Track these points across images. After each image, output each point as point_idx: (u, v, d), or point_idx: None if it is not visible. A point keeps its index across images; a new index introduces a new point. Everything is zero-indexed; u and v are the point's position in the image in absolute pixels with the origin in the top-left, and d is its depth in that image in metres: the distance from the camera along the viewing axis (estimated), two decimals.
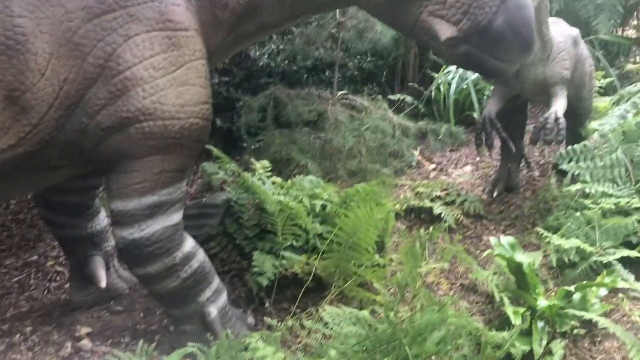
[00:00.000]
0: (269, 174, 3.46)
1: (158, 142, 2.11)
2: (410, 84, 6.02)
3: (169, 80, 2.09)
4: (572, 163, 3.30)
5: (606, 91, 5.03)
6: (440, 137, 4.98)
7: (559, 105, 3.30)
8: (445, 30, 1.93)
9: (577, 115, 4.02)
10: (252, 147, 4.95)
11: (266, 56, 5.47)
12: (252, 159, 3.52)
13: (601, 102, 4.53)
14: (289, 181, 3.46)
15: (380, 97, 5.42)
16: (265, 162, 3.53)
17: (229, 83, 5.37)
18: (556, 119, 3.22)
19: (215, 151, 3.35)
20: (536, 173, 4.38)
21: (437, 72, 5.80)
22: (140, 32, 2.04)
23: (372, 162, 4.49)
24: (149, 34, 2.06)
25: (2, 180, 2.05)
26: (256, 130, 4.97)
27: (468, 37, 1.88)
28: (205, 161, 4.18)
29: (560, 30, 3.54)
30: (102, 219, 2.94)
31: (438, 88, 5.58)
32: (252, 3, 2.36)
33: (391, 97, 5.74)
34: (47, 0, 1.91)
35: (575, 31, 3.77)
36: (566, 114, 3.99)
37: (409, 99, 5.74)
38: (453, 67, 5.53)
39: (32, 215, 4.03)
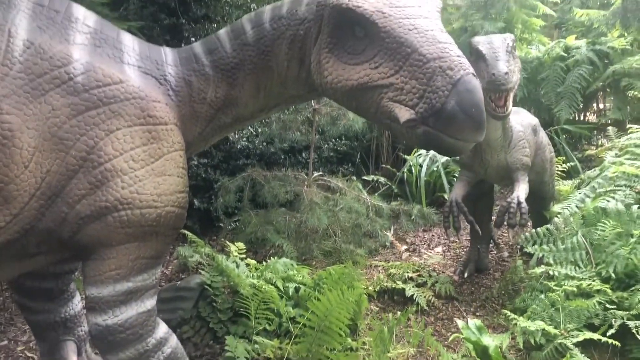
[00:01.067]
0: (244, 255, 3.53)
1: (135, 230, 2.19)
2: (383, 165, 6.23)
3: (148, 171, 2.20)
4: (536, 246, 3.44)
5: (569, 175, 5.27)
6: (412, 217, 5.12)
7: (520, 190, 3.48)
8: (404, 114, 2.08)
9: (541, 198, 4.22)
10: (229, 227, 5.04)
11: (245, 139, 5.66)
12: (227, 242, 3.59)
13: (564, 186, 4.75)
14: (263, 263, 3.53)
15: (354, 178, 5.60)
16: (240, 244, 3.60)
17: (207, 165, 5.52)
18: (518, 203, 3.38)
19: (190, 235, 3.42)
20: (505, 254, 4.51)
21: (409, 154, 6.03)
22: (121, 127, 2.17)
23: (347, 243, 4.59)
24: (130, 129, 2.18)
25: None
26: (233, 211, 5.07)
27: (425, 118, 2.03)
28: (181, 243, 4.23)
29: (520, 120, 3.78)
30: (77, 304, 2.95)
31: (410, 170, 5.79)
32: (228, 96, 2.52)
33: (365, 177, 5.92)
34: (36, 99, 2.04)
35: (535, 120, 4.03)
36: (531, 198, 4.18)
37: (382, 179, 5.93)
38: (424, 150, 5.76)
39: (3, 298, 4.00)
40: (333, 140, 6.17)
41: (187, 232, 3.44)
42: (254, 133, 5.76)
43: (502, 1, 7.58)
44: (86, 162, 2.11)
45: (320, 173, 5.28)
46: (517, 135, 3.60)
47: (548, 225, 3.55)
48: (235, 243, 3.59)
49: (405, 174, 5.87)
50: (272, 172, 4.92)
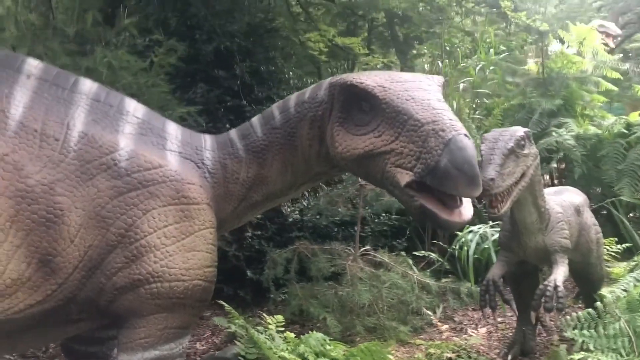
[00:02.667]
0: (282, 328, 3.63)
1: (164, 302, 2.39)
2: (435, 241, 6.23)
3: (179, 247, 2.43)
4: (577, 330, 3.32)
5: (625, 256, 5.06)
6: (461, 296, 5.06)
7: (558, 273, 3.42)
8: (404, 177, 2.25)
9: (590, 280, 4.08)
10: (278, 299, 5.18)
11: (297, 212, 5.88)
12: (264, 314, 3.72)
13: (617, 268, 4.57)
14: (300, 337, 3.61)
15: (404, 253, 5.63)
16: (280, 317, 3.73)
17: (261, 237, 5.75)
18: (555, 286, 3.32)
19: (226, 306, 3.59)
20: (555, 337, 4.34)
21: (461, 230, 6.01)
22: (157, 207, 2.42)
23: (391, 319, 4.59)
24: (164, 208, 2.44)
25: (30, 332, 2.34)
26: (284, 282, 5.22)
27: (423, 178, 2.14)
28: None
29: (560, 200, 3.76)
30: None
31: (461, 247, 5.75)
32: (258, 175, 2.76)
33: (416, 253, 5.93)
34: (85, 182, 2.34)
35: (579, 200, 3.98)
36: (579, 280, 4.06)
37: (433, 255, 5.91)
38: (475, 227, 5.74)
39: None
40: (383, 215, 6.27)
41: (223, 302, 3.61)
42: (307, 206, 5.98)
43: (560, 78, 7.59)
44: (124, 239, 2.36)
45: (368, 247, 5.36)
46: (555, 217, 3.58)
47: (589, 309, 3.44)
48: (275, 316, 3.72)
49: (456, 251, 5.83)
50: (320, 246, 5.06)
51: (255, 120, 2.87)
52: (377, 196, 5.52)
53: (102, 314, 2.45)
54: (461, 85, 7.80)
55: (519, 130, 3.26)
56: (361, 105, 2.39)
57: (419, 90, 2.34)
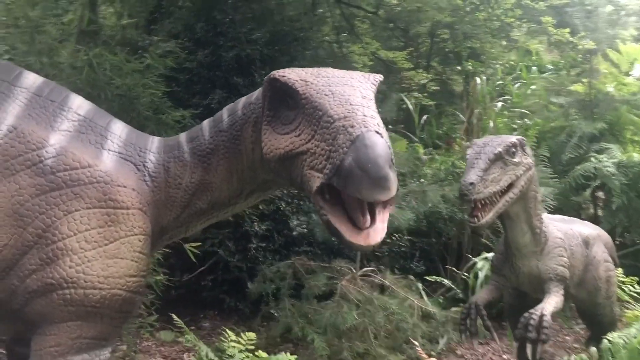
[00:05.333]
0: (252, 347, 3.44)
1: (77, 309, 2.25)
2: (448, 266, 5.87)
3: (99, 252, 2.28)
4: None
5: None
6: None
7: (549, 302, 3.08)
8: (315, 181, 2.01)
9: (599, 323, 3.67)
10: (276, 314, 4.97)
11: (304, 226, 5.69)
12: (228, 331, 3.53)
13: (634, 311, 4.09)
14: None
15: (412, 277, 5.31)
16: (251, 335, 3.54)
17: (266, 249, 5.59)
18: (541, 315, 2.97)
19: (177, 320, 3.43)
20: None
21: (478, 254, 5.63)
22: (80, 209, 2.29)
23: (382, 347, 4.30)
24: (88, 210, 2.30)
25: None
26: (279, 297, 5.01)
27: (330, 180, 1.94)
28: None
29: (565, 227, 3.41)
30: None
31: (476, 275, 5.37)
32: (202, 181, 2.57)
33: (428, 278, 5.59)
34: (6, 177, 2.24)
35: (590, 232, 3.59)
36: (586, 320, 3.67)
37: (446, 281, 5.56)
38: (489, 254, 5.34)
39: None
40: (395, 235, 5.97)
41: (174, 315, 3.46)
42: (317, 221, 5.76)
43: (608, 100, 7.06)
44: (41, 239, 2.24)
45: (371, 268, 5.08)
46: (553, 241, 3.23)
47: (583, 355, 3.05)
48: (247, 333, 3.53)
49: (470, 279, 5.45)
50: (317, 262, 4.83)
51: (205, 122, 2.69)
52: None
53: (16, 318, 2.34)
54: (499, 104, 7.39)
55: (512, 137, 3.02)
56: (287, 102, 2.20)
57: (343, 86, 2.14)
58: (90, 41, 5.64)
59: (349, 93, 2.10)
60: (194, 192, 2.58)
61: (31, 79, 2.47)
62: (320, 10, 9.70)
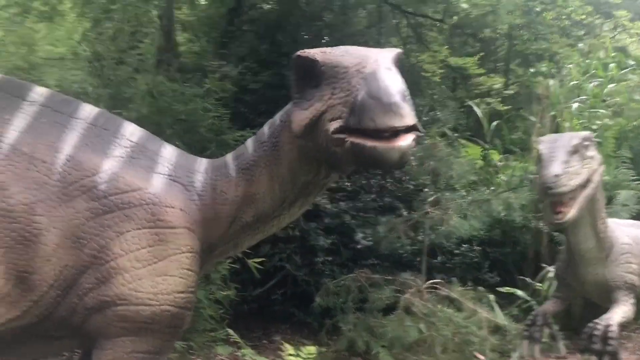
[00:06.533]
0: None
1: (130, 325, 2.38)
2: (521, 277, 5.62)
3: (149, 270, 2.41)
4: None
5: None
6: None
7: (616, 312, 2.89)
8: (335, 125, 2.13)
9: None
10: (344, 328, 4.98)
11: (369, 239, 5.66)
12: (285, 344, 3.58)
13: None
14: None
15: (483, 288, 5.14)
16: (311, 348, 3.57)
17: (333, 262, 5.62)
18: (607, 326, 2.79)
19: (233, 335, 3.51)
20: None
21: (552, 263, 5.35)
22: (131, 229, 2.44)
23: None
24: (138, 231, 2.44)
25: (16, 346, 2.47)
26: (345, 311, 5.01)
27: (347, 121, 2.07)
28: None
29: (634, 233, 3.19)
30: None
31: (549, 284, 5.11)
32: (247, 193, 2.66)
33: (500, 289, 5.39)
34: (65, 203, 2.43)
35: None
36: None
37: (520, 292, 5.33)
38: None
39: None
40: (464, 245, 5.80)
41: (230, 330, 3.54)
42: (382, 233, 5.72)
43: None
44: (96, 260, 2.40)
45: (439, 280, 4.97)
46: (619, 247, 3.03)
47: None
48: (306, 347, 3.57)
49: (543, 289, 5.19)
50: (381, 275, 4.80)
51: (250, 139, 2.80)
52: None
53: (76, 334, 2.50)
54: (575, 105, 7.02)
55: (583, 133, 2.90)
56: (311, 80, 2.29)
57: (357, 49, 2.28)
58: (166, 68, 5.98)
59: (364, 51, 2.25)
60: (239, 206, 2.67)
61: (87, 110, 2.66)
62: (387, 21, 9.72)
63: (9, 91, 2.57)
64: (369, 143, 2.07)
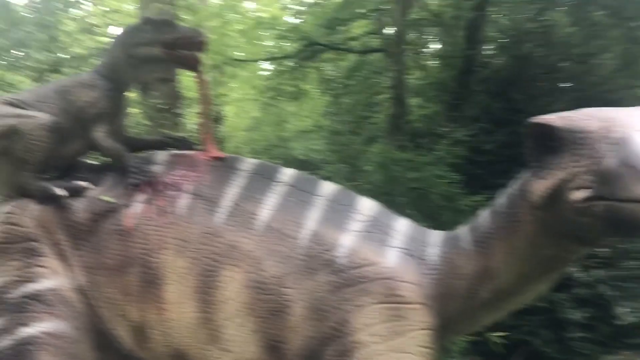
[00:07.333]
0: None
1: None
2: None
3: (387, 347, 2.40)
4: None
5: None
6: None
7: None
8: (581, 194, 1.96)
9: None
10: None
11: (637, 314, 4.87)
12: None
13: None
14: None
15: None
16: None
17: (587, 340, 4.97)
18: None
19: None
20: None
21: None
22: (368, 304, 2.47)
23: None
24: (375, 306, 2.46)
25: None
26: None
27: (597, 191, 1.91)
28: None
29: None
30: None
31: None
32: (483, 268, 2.50)
33: None
34: (309, 276, 2.58)
35: None
36: None
37: None
38: None
39: None
40: None
41: None
42: None
43: None
44: (337, 332, 2.49)
45: None
46: None
47: None
48: None
49: None
50: None
51: (485, 210, 2.66)
52: None
53: None
54: None
55: None
56: (549, 147, 2.16)
57: (601, 110, 2.07)
58: (397, 137, 6.20)
59: (609, 112, 2.06)
60: (476, 281, 2.54)
61: (326, 188, 2.84)
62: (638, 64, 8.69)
63: (262, 174, 2.87)
64: (628, 205, 1.88)
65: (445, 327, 2.62)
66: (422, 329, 2.44)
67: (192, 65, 2.83)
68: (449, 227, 3.11)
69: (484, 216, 2.63)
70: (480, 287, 2.54)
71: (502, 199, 2.56)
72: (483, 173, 5.92)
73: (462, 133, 4.89)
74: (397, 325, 2.42)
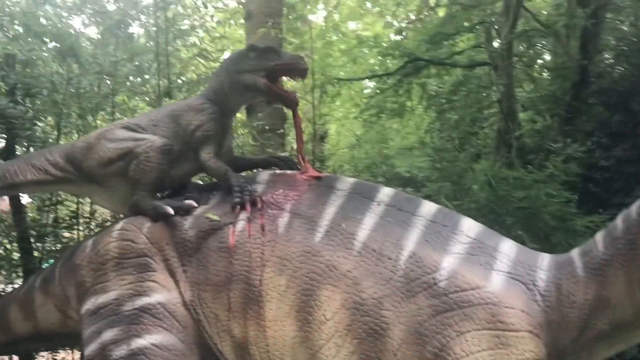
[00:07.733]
0: None
1: None
2: None
3: None
4: None
5: None
6: None
7: None
8: None
9: None
10: None
11: None
12: None
13: None
14: None
15: None
16: None
17: None
18: None
19: None
20: None
21: None
22: (471, 330, 2.37)
23: None
24: (478, 332, 2.35)
25: None
26: None
27: None
28: None
29: None
30: None
31: None
32: (598, 297, 2.34)
33: None
34: (408, 299, 2.52)
35: None
36: None
37: None
38: None
39: None
40: None
41: None
42: None
43: None
44: (437, 358, 2.40)
45: None
46: None
47: None
48: None
49: None
50: None
51: (599, 234, 2.46)
52: None
53: None
54: None
55: None
56: None
57: None
58: (505, 153, 5.95)
59: None
60: (590, 311, 2.36)
61: (427, 208, 2.77)
62: None
63: (360, 193, 2.86)
64: None
65: (556, 357, 2.45)
66: (530, 359, 2.29)
67: (290, 104, 2.94)
68: (560, 249, 2.93)
69: (596, 241, 2.44)
70: (595, 317, 2.36)
71: (618, 224, 2.37)
72: (599, 191, 5.52)
73: (575, 148, 4.58)
74: (503, 353, 2.30)
